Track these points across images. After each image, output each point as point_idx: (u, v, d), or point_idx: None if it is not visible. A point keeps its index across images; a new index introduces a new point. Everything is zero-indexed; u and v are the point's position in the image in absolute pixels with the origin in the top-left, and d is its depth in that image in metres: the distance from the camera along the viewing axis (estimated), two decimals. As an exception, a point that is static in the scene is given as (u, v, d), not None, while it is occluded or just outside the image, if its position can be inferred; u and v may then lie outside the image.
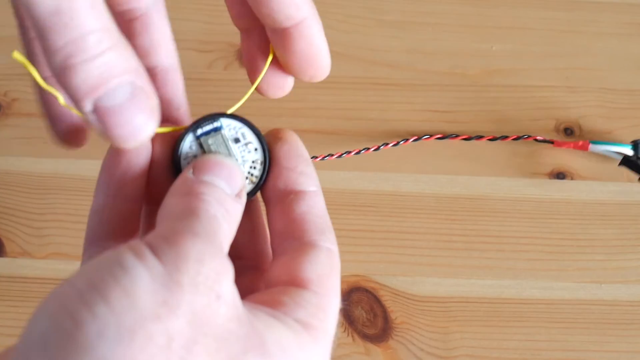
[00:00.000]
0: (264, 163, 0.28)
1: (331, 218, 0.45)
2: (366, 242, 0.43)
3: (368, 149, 0.44)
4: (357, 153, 0.44)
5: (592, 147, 0.45)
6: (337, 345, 0.40)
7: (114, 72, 0.23)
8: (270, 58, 0.29)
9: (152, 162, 0.28)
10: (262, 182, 0.28)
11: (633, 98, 0.48)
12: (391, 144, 0.45)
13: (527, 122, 0.47)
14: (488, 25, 0.51)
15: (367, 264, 0.43)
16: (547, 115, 0.48)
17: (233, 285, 0.23)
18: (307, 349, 0.24)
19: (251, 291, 0.27)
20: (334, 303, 0.26)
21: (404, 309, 0.41)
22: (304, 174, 0.28)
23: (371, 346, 0.40)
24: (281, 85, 0.30)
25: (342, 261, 0.43)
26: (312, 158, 0.43)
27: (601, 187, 0.46)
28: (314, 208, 0.28)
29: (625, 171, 0.46)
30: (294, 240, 0.27)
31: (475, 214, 0.44)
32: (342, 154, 0.44)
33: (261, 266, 0.30)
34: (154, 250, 0.22)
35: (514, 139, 0.45)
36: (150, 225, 0.28)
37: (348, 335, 0.41)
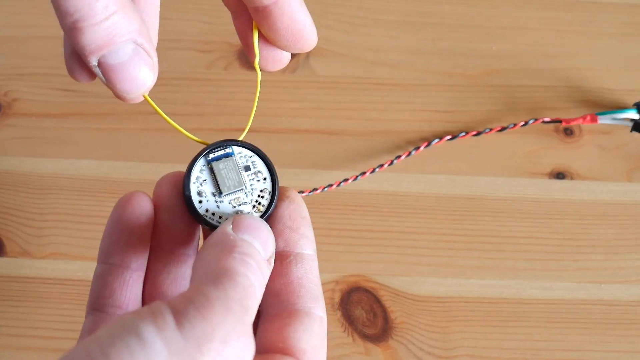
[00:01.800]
0: (272, 193, 0.28)
1: (331, 218, 0.45)
2: (366, 242, 0.43)
3: (382, 165, 0.44)
4: (372, 172, 0.44)
5: (601, 119, 0.46)
6: (337, 345, 0.40)
7: (118, 33, 0.25)
8: (256, 36, 0.30)
9: (160, 205, 0.28)
10: (270, 211, 0.28)
11: (633, 98, 0.48)
12: (404, 156, 0.45)
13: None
14: (488, 25, 0.51)
15: (367, 264, 0.43)
16: (547, 115, 0.48)
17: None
18: None
19: None
20: None
21: (403, 309, 0.41)
22: (305, 237, 0.28)
23: (371, 346, 0.40)
24: (278, 58, 0.31)
25: (342, 261, 0.43)
26: (328, 187, 0.42)
27: (601, 187, 0.46)
28: (310, 273, 0.28)
29: (626, 171, 0.46)
30: (288, 304, 0.27)
31: (475, 214, 0.44)
32: (375, 169, 0.45)
33: None
34: (179, 320, 0.21)
35: (522, 125, 0.46)
36: (155, 276, 0.28)
37: (348, 335, 0.41)
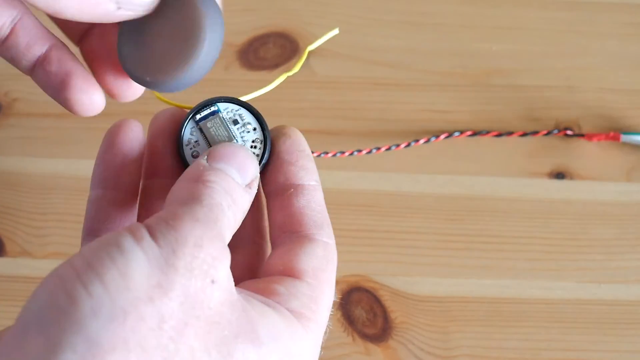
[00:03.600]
0: (264, 141, 0.29)
1: (331, 218, 0.45)
2: (366, 242, 0.43)
3: (398, 145, 0.44)
4: (388, 149, 0.44)
5: (624, 138, 0.46)
6: (337, 345, 0.40)
7: None
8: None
9: (154, 154, 0.29)
10: (265, 157, 0.28)
11: (633, 98, 0.48)
12: (422, 141, 0.45)
13: (527, 122, 0.47)
14: (488, 25, 0.51)
15: (367, 264, 0.43)
16: (547, 115, 0.48)
17: (228, 271, 0.23)
18: (298, 338, 0.25)
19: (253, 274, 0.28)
20: (327, 295, 0.27)
21: (403, 308, 0.41)
22: (304, 168, 0.28)
23: (371, 346, 0.40)
24: (128, 89, 0.30)
25: (342, 261, 0.43)
26: (323, 154, 0.43)
27: (601, 187, 0.46)
28: (312, 202, 0.28)
29: (626, 171, 0.46)
30: (292, 233, 0.28)
31: (475, 214, 0.44)
32: (372, 150, 0.44)
33: (261, 258, 0.30)
34: (153, 233, 0.22)
35: (544, 135, 0.46)
36: (149, 202, 0.29)
37: (348, 335, 0.41)
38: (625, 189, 0.46)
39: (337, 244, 0.43)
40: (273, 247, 0.28)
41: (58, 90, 0.29)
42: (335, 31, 0.33)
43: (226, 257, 0.23)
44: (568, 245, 0.44)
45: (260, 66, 0.49)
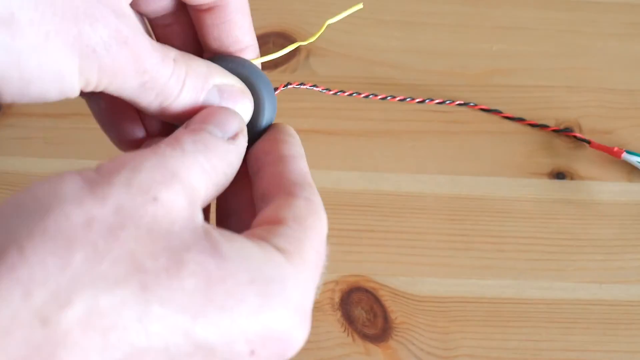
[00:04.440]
0: (258, 102, 0.30)
1: (331, 218, 0.45)
2: (366, 242, 0.43)
3: (394, 97, 0.45)
4: (366, 97, 0.44)
5: (625, 156, 0.45)
6: (337, 345, 0.40)
7: (199, 88, 0.27)
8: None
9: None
10: (260, 119, 0.30)
11: (633, 98, 0.48)
12: (417, 100, 0.46)
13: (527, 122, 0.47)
14: (488, 25, 0.51)
15: (367, 264, 0.43)
16: (547, 115, 0.48)
17: (183, 199, 0.23)
18: (277, 264, 0.23)
19: None
20: (313, 238, 0.25)
21: (404, 309, 0.41)
22: (289, 143, 0.29)
23: (371, 346, 0.40)
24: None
25: (342, 261, 0.43)
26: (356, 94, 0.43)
27: (601, 187, 0.46)
28: (295, 167, 0.28)
29: (626, 171, 0.46)
30: (274, 195, 0.27)
31: (475, 214, 0.44)
32: (387, 97, 0.45)
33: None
34: (96, 168, 0.23)
35: (553, 130, 0.47)
36: None
37: (348, 335, 0.41)
38: (625, 189, 0.46)
39: (337, 244, 0.43)
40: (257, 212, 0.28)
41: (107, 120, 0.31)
42: (360, 6, 0.33)
43: (178, 184, 0.23)
44: (568, 245, 0.44)
45: (260, 66, 0.49)
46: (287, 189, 0.27)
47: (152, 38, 0.27)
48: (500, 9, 0.52)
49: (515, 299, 0.42)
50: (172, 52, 0.27)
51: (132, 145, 0.30)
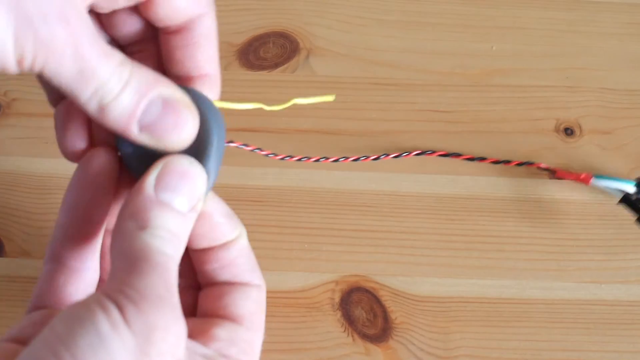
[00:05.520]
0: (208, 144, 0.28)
1: (331, 218, 0.45)
2: (366, 242, 0.43)
3: (367, 157, 0.44)
4: (356, 160, 0.44)
5: (594, 181, 0.44)
6: (337, 345, 0.40)
7: (141, 93, 0.26)
8: None
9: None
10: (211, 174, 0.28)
11: (633, 98, 0.48)
12: (392, 155, 0.45)
13: (527, 122, 0.47)
14: (488, 25, 0.51)
15: (367, 264, 0.43)
16: (547, 115, 0.48)
17: (185, 344, 0.25)
18: None
19: (189, 306, 0.30)
20: (260, 339, 0.29)
21: (404, 309, 0.41)
22: (227, 224, 0.30)
23: (371, 346, 0.40)
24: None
25: (342, 261, 0.43)
26: (305, 159, 0.43)
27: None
28: (243, 251, 0.30)
29: (626, 171, 0.46)
30: (226, 279, 0.30)
31: (475, 214, 0.44)
32: (339, 159, 0.44)
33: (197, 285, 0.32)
34: (125, 317, 0.23)
35: (516, 165, 0.45)
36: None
37: (348, 335, 0.41)
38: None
39: (337, 243, 0.43)
40: (207, 285, 0.30)
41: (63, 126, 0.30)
42: (331, 98, 0.33)
43: (184, 331, 0.25)
44: (568, 245, 0.44)
45: (260, 66, 0.49)
46: (241, 277, 0.30)
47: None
48: (500, 9, 0.52)
49: (515, 299, 0.42)
50: (118, 55, 0.26)
51: (74, 156, 0.29)
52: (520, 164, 0.45)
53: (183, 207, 0.26)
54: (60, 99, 0.30)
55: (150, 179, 0.26)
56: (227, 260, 0.30)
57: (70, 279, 0.29)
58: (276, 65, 0.49)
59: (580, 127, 0.48)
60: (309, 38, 0.50)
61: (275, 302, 0.41)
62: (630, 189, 0.43)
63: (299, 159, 0.43)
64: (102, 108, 0.26)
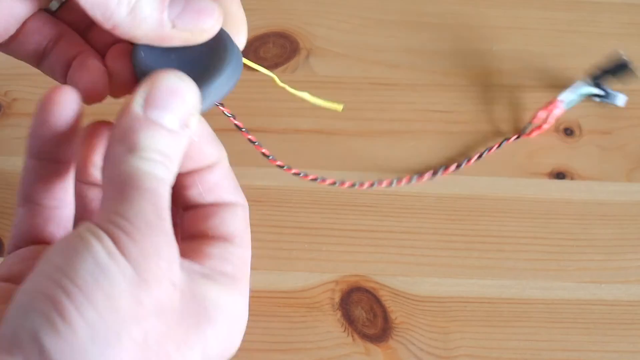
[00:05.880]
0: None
1: (331, 218, 0.45)
2: (366, 242, 0.43)
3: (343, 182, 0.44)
4: (352, 186, 0.43)
5: (561, 98, 0.46)
6: (337, 345, 0.40)
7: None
8: None
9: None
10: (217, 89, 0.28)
11: (633, 98, 0.48)
12: (404, 182, 0.44)
13: (527, 123, 0.47)
14: (488, 25, 0.51)
15: (367, 264, 0.43)
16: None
17: (180, 266, 0.25)
18: (236, 302, 0.28)
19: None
20: (250, 256, 0.30)
21: (404, 309, 0.41)
22: (210, 149, 0.30)
23: (371, 346, 0.40)
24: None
25: (342, 261, 0.43)
26: (301, 175, 0.42)
27: (601, 187, 0.46)
28: (227, 171, 0.30)
29: (626, 171, 0.46)
30: (211, 200, 0.30)
31: (475, 214, 0.44)
32: (335, 183, 0.42)
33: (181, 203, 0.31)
34: (119, 247, 0.23)
35: (497, 147, 0.46)
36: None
37: (348, 335, 0.41)
38: (625, 189, 0.46)
39: (337, 243, 0.43)
40: (192, 208, 0.30)
41: (65, 71, 0.29)
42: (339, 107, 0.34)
43: (177, 254, 0.25)
44: (568, 245, 0.44)
45: (261, 66, 0.49)
46: (227, 197, 0.31)
47: None
48: (500, 9, 0.52)
49: (515, 299, 0.42)
50: None
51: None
52: (499, 146, 0.46)
53: (174, 125, 0.25)
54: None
55: (138, 97, 0.25)
56: (212, 183, 0.29)
57: (49, 217, 0.29)
58: (276, 65, 0.49)
59: (580, 127, 0.48)
60: (309, 38, 0.50)
61: (275, 302, 0.41)
62: (593, 90, 0.47)
63: (314, 179, 0.41)
64: (132, 9, 0.25)
